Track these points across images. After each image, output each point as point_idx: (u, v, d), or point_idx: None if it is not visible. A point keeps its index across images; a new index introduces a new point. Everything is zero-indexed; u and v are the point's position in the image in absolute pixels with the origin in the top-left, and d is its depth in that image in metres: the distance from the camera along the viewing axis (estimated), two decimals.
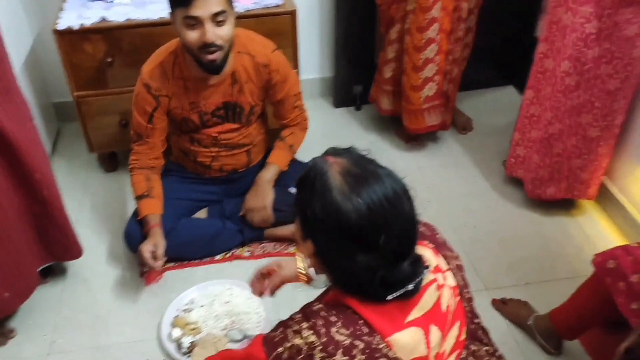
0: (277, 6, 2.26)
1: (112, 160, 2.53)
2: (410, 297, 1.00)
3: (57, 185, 1.81)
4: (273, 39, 2.02)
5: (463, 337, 1.12)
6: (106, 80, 2.26)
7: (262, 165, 2.13)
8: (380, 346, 0.97)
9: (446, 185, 2.44)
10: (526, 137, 2.21)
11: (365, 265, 0.95)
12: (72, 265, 2.07)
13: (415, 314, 1.01)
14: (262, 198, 2.05)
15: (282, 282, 1.47)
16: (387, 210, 0.94)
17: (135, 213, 2.01)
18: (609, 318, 1.52)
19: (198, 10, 1.69)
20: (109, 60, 2.20)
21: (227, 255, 2.11)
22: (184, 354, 1.75)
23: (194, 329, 1.79)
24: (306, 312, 1.02)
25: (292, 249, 2.11)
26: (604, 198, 2.24)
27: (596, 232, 2.19)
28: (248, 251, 2.11)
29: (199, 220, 2.14)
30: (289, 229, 2.07)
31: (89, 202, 2.38)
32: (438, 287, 1.05)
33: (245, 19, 2.16)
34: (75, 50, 2.16)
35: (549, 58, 2.03)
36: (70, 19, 2.14)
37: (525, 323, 1.80)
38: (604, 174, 2.18)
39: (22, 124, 1.66)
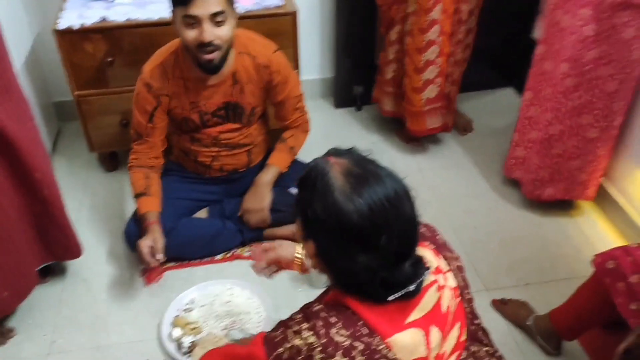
0: (278, 7, 2.26)
1: (113, 159, 2.54)
2: (411, 298, 1.00)
3: (57, 184, 1.81)
4: (274, 40, 2.03)
5: (463, 338, 1.12)
6: (107, 79, 2.26)
7: (262, 165, 2.13)
8: (380, 347, 0.97)
9: (446, 186, 2.44)
10: (526, 138, 2.21)
11: (366, 265, 0.95)
12: (72, 264, 2.07)
13: (415, 315, 1.02)
14: (260, 200, 2.05)
15: (278, 260, 1.46)
16: (388, 211, 0.94)
17: (136, 212, 2.01)
18: (608, 318, 1.52)
19: (197, 10, 1.69)
20: (110, 60, 2.20)
21: (228, 255, 2.11)
22: (185, 353, 1.75)
23: (194, 329, 1.79)
24: (306, 312, 1.03)
25: None
26: (603, 199, 2.24)
27: (595, 232, 2.19)
28: (248, 251, 2.11)
29: (199, 220, 2.14)
30: (288, 229, 2.07)
31: (89, 201, 2.38)
32: (439, 288, 1.05)
33: (246, 20, 2.17)
34: (75, 49, 2.16)
35: (548, 60, 2.03)
36: (70, 19, 2.15)
37: (525, 323, 1.80)
38: (602, 175, 2.19)
39: (22, 123, 1.66)
